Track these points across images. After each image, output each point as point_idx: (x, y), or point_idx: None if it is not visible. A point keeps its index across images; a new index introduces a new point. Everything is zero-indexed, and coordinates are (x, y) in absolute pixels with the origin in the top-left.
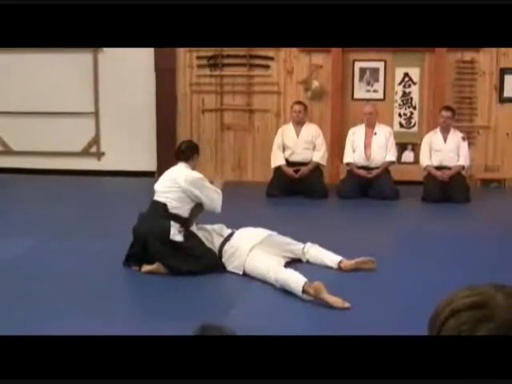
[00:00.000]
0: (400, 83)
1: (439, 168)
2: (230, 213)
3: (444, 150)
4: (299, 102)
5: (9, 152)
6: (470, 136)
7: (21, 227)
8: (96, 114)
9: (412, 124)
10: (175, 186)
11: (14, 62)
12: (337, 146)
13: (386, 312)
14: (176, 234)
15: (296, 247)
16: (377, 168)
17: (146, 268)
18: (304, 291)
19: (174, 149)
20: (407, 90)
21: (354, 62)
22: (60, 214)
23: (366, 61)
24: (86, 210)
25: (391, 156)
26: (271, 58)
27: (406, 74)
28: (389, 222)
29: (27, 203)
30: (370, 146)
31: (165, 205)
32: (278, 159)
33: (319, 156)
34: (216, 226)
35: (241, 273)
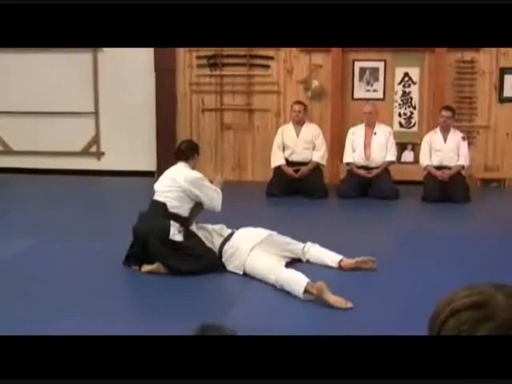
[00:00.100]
0: (400, 83)
1: (439, 168)
2: (229, 212)
3: (444, 149)
4: (299, 102)
5: (9, 152)
6: (469, 136)
7: (21, 227)
8: (96, 113)
9: (412, 124)
10: (175, 185)
11: (14, 62)
12: (337, 145)
13: (386, 312)
14: (176, 233)
15: (296, 247)
16: (377, 168)
17: (145, 268)
18: (306, 291)
19: (173, 148)
20: (407, 90)
21: (353, 61)
22: (60, 213)
23: (365, 60)
24: (85, 209)
25: (391, 156)
26: (271, 58)
27: (406, 74)
28: (389, 222)
29: (27, 203)
30: (370, 146)
31: (164, 204)
32: (277, 159)
33: (319, 156)
34: (216, 226)
35: (241, 273)
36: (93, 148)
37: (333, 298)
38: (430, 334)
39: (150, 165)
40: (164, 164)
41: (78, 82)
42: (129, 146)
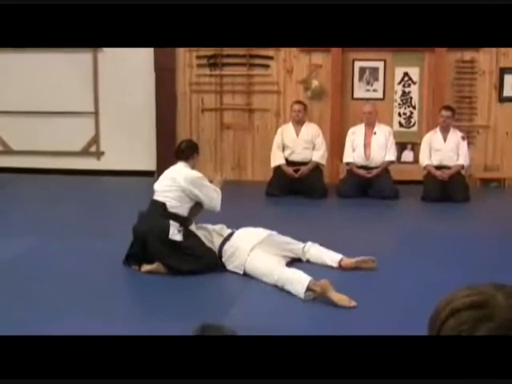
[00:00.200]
0: (400, 83)
1: (439, 167)
2: (229, 212)
3: (444, 149)
4: (299, 102)
5: (9, 152)
6: (469, 135)
7: (21, 227)
8: (96, 113)
9: (412, 123)
10: (175, 185)
11: (14, 61)
12: (336, 145)
13: (386, 311)
14: (175, 233)
15: (296, 246)
16: (376, 167)
17: (145, 268)
18: (309, 289)
19: (173, 148)
20: (407, 90)
21: (353, 61)
22: (60, 213)
23: (365, 60)
24: (85, 209)
25: (391, 155)
26: (271, 58)
27: (406, 74)
28: (389, 222)
29: (27, 203)
30: (370, 146)
31: (164, 204)
32: (277, 159)
33: (319, 155)
34: (216, 226)
35: (241, 272)
36: (93, 148)
37: (337, 296)
38: (430, 334)
39: (150, 164)
40: (164, 164)
41: (78, 82)
42: (129, 145)
